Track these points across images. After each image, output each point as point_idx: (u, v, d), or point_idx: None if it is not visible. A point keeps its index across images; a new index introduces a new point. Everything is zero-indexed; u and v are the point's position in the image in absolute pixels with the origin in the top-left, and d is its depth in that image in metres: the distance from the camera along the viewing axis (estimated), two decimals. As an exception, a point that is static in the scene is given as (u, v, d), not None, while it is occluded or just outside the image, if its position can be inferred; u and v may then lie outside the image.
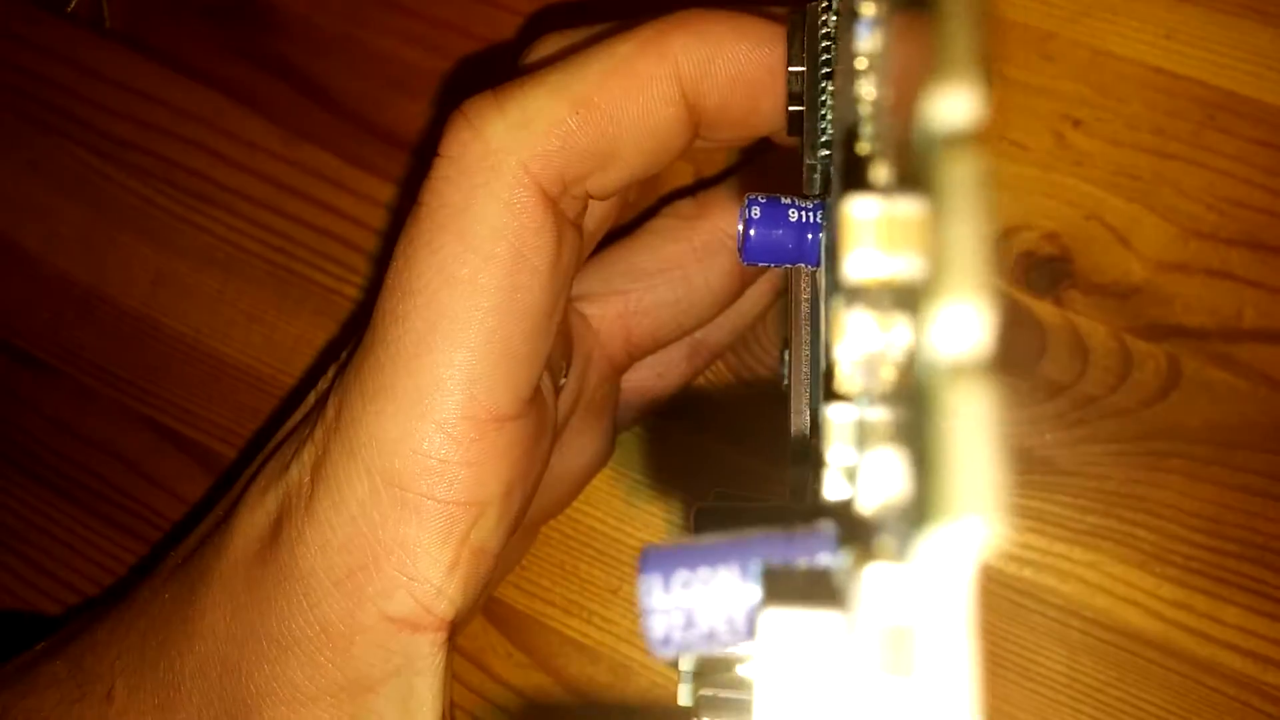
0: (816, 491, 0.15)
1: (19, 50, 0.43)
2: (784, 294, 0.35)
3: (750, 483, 0.35)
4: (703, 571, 0.14)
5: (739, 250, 0.22)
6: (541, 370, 0.26)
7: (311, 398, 0.30)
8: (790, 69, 0.24)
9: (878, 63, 0.15)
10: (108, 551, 0.39)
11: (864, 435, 0.14)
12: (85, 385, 0.41)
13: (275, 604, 0.25)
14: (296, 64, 0.41)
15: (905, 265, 0.12)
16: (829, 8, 0.22)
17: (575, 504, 0.36)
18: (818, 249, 0.21)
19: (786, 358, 0.30)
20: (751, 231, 0.21)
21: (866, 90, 0.15)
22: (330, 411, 0.26)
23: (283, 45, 0.41)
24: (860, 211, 0.12)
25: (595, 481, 0.35)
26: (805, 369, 0.22)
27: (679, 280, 0.31)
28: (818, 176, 0.21)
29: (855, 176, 0.14)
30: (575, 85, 0.25)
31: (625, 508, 0.36)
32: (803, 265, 0.22)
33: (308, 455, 0.26)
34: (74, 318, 0.41)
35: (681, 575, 0.14)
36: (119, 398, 0.40)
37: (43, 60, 0.43)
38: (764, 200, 0.21)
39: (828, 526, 0.14)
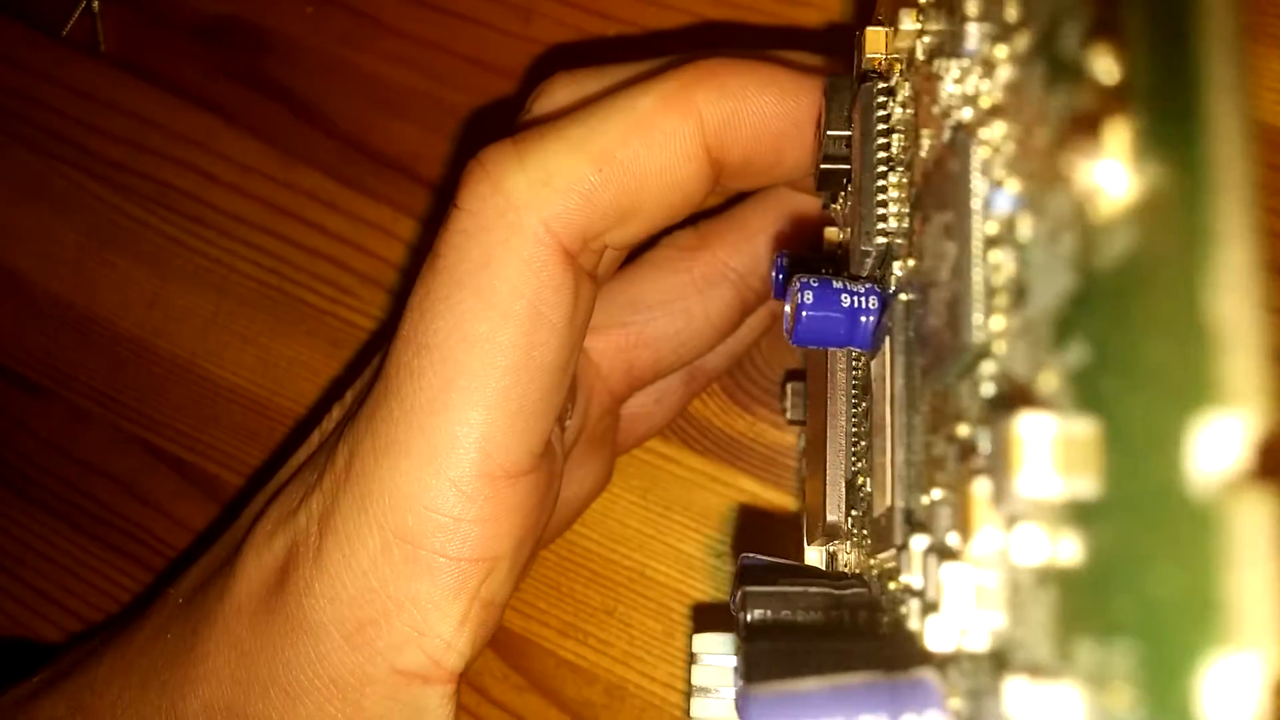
0: (912, 631, 0.13)
1: (14, 73, 0.41)
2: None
3: (747, 505, 0.33)
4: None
5: (786, 332, 0.20)
6: (554, 423, 0.25)
7: (315, 437, 0.28)
8: (830, 133, 0.22)
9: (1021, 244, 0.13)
10: (103, 574, 0.37)
11: (980, 596, 0.12)
12: (80, 408, 0.38)
13: (283, 654, 0.24)
14: (288, 86, 0.39)
15: (1081, 487, 0.10)
16: (888, 91, 0.19)
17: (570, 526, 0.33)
18: (869, 333, 0.19)
19: (789, 390, 0.28)
20: (803, 314, 0.19)
21: (1005, 263, 0.13)
22: (340, 461, 0.24)
23: (275, 67, 0.39)
24: (1031, 430, 0.11)
25: (591, 504, 0.33)
26: (842, 441, 0.21)
27: (680, 312, 0.29)
28: (870, 261, 0.19)
29: (1010, 390, 0.12)
30: (597, 140, 0.23)
31: (620, 529, 0.34)
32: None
33: (316, 504, 0.24)
34: (69, 340, 0.39)
35: None
36: (114, 420, 0.38)
37: (37, 84, 0.41)
38: (816, 284, 0.19)
39: (930, 677, 0.13)
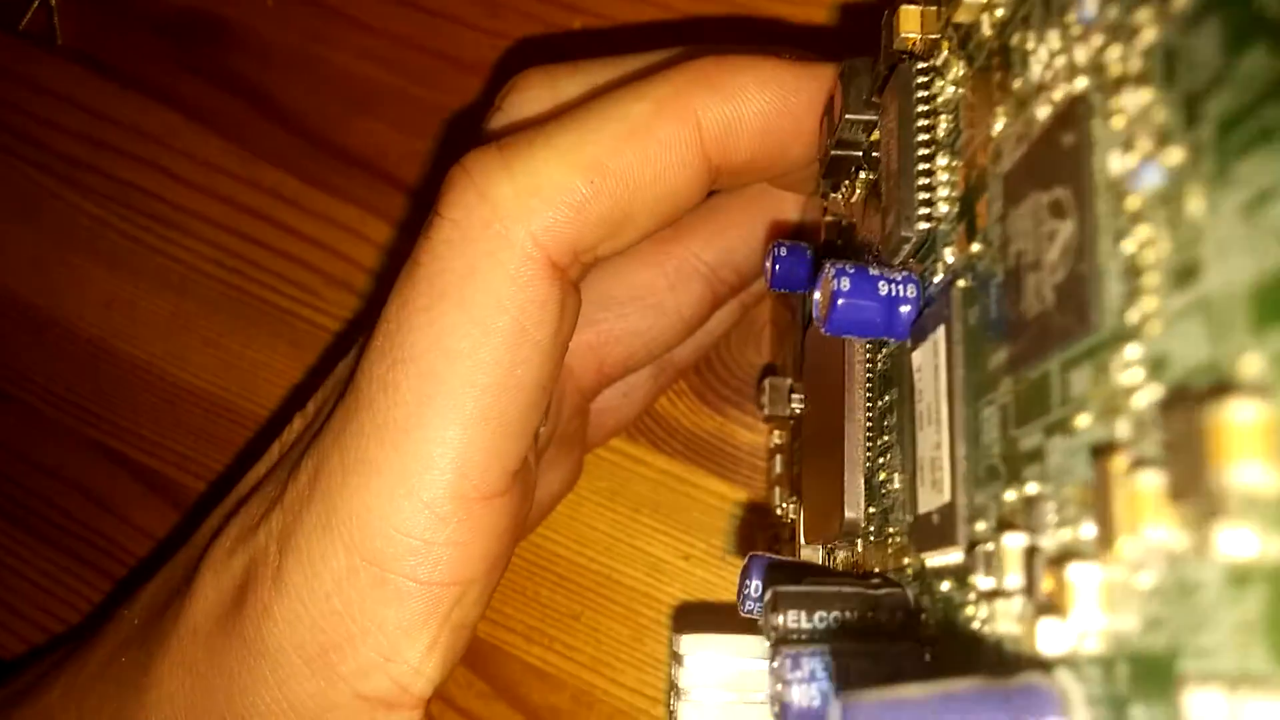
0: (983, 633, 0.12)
1: (-32, 68, 0.38)
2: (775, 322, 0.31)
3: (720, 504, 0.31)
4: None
5: (818, 320, 0.18)
6: (533, 440, 0.23)
7: (275, 449, 0.26)
8: (848, 116, 0.20)
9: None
10: (62, 581, 0.35)
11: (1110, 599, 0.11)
12: (37, 411, 0.36)
13: (239, 678, 0.22)
14: (252, 81, 0.37)
15: None
16: (930, 71, 0.18)
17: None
18: (908, 323, 0.17)
19: (767, 385, 0.27)
20: (839, 302, 0.17)
21: (1159, 239, 0.11)
22: (304, 476, 0.22)
23: (239, 62, 0.37)
24: (1241, 416, 0.09)
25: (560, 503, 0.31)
26: (859, 436, 0.19)
27: (651, 308, 0.27)
28: (908, 247, 0.18)
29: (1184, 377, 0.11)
30: (588, 149, 0.21)
31: (588, 531, 0.32)
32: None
33: (276, 522, 0.22)
34: (25, 342, 0.37)
35: None
36: (73, 424, 0.36)
37: (-7, 78, 0.38)
38: (852, 270, 0.17)
39: (1044, 683, 0.11)
